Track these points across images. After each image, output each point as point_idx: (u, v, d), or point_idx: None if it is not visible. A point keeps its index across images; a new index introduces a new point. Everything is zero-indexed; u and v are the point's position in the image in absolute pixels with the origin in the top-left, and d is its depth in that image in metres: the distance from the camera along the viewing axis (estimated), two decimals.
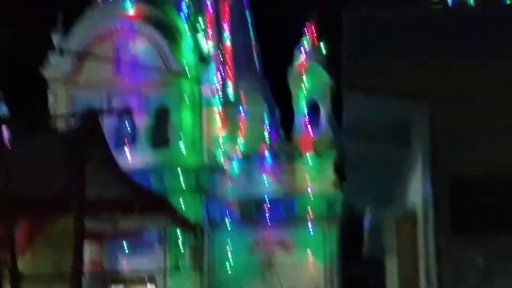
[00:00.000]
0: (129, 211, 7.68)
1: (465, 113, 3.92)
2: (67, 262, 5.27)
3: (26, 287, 5.08)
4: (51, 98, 11.52)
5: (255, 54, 14.58)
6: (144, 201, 7.86)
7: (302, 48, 12.26)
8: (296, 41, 12.56)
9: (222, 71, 12.90)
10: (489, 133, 3.87)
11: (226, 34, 13.15)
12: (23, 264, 5.26)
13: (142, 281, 12.52)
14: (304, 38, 12.31)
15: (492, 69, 3.83)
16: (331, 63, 11.95)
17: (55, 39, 11.44)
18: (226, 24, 13.29)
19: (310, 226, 11.79)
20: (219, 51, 12.66)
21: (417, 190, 5.26)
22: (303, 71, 12.07)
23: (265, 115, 12.29)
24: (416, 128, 4.95)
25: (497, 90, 3.86)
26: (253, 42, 14.60)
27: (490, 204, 3.85)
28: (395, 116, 5.00)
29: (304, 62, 11.93)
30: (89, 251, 10.19)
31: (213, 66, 12.12)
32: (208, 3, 12.69)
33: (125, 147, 11.28)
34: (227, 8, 13.14)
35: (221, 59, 12.98)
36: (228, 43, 13.47)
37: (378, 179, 7.56)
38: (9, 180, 4.39)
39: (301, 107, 11.97)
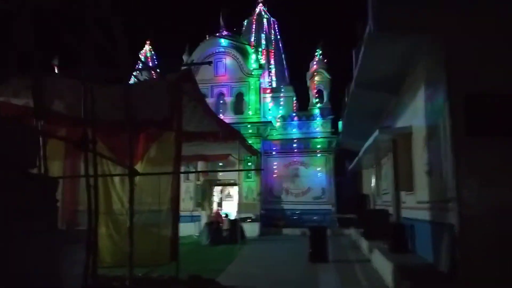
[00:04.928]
0: (216, 138, 9.32)
1: (476, 43, 4.94)
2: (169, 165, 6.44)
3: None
4: None
5: (285, 66, 24.32)
6: (226, 131, 9.40)
7: (314, 61, 20.20)
8: (311, 58, 20.62)
9: (269, 74, 22.28)
10: (496, 58, 4.86)
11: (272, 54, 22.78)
12: (138, 166, 6.06)
13: (230, 184, 20.16)
14: (316, 55, 20.36)
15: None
16: (329, 70, 20.12)
17: (185, 57, 19.60)
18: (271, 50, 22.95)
19: (318, 154, 19.26)
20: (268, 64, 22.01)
21: (415, 112, 7.13)
22: (314, 73, 20.09)
23: (293, 97, 20.68)
24: (429, 57, 5.98)
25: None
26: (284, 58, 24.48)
27: (498, 114, 4.76)
28: (412, 52, 6.42)
29: (315, 67, 19.80)
30: (199, 166, 16.28)
31: (266, 70, 20.64)
32: (263, 40, 22.13)
33: (220, 113, 17.94)
34: (273, 41, 22.92)
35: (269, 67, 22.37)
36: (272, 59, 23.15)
37: (367, 119, 11.99)
38: (130, 107, 5.01)
39: (313, 92, 19.86)
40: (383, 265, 7.92)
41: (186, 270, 7.20)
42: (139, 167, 7.05)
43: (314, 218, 18.40)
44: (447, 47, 5.51)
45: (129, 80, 6.74)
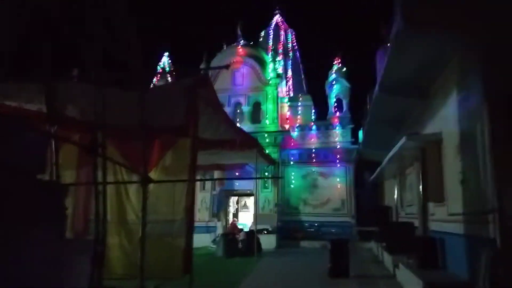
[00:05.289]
0: (233, 146, 9.16)
1: None
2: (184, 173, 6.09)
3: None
4: None
5: (303, 76, 24.02)
6: (243, 139, 9.26)
7: (333, 70, 19.67)
8: (329, 67, 20.09)
9: (287, 83, 21.96)
10: None
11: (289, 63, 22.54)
12: (152, 174, 5.83)
13: (246, 194, 19.76)
14: (334, 65, 19.80)
15: None
16: (348, 78, 19.64)
17: (202, 66, 19.28)
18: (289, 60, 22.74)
19: (338, 164, 18.57)
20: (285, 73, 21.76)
21: (445, 118, 6.65)
22: (333, 82, 19.45)
23: (311, 106, 20.16)
24: (463, 56, 5.60)
25: None
26: (301, 68, 24.19)
27: None
28: (443, 52, 5.91)
29: (334, 76, 19.31)
30: (215, 176, 15.42)
31: (283, 80, 20.31)
32: (280, 49, 21.89)
33: (237, 122, 17.30)
34: (290, 51, 22.70)
35: (287, 77, 22.10)
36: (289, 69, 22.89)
37: (390, 127, 11.33)
38: (144, 113, 4.87)
39: (332, 101, 19.36)
40: (410, 282, 7.38)
41: (200, 283, 6.94)
42: (153, 174, 6.87)
43: (333, 230, 17.79)
44: (486, 45, 5.08)
45: (146, 86, 6.53)
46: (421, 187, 9.90)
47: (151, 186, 6.49)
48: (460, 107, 6.47)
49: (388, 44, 7.61)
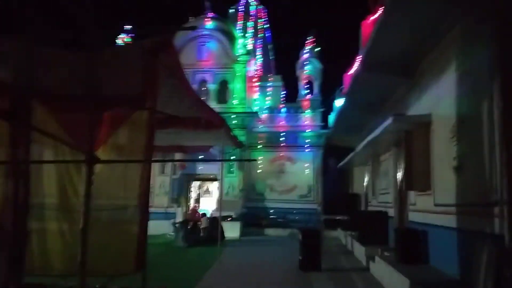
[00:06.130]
0: (198, 126, 7.87)
1: None
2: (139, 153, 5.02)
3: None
4: None
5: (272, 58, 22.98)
6: (210, 117, 8.01)
7: (304, 49, 18.74)
8: (302, 46, 19.13)
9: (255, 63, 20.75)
10: None
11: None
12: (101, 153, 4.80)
13: (210, 179, 18.57)
14: (308, 43, 18.95)
15: None
16: (320, 58, 18.80)
17: None
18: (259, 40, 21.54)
19: (306, 149, 17.83)
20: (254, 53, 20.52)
21: (437, 97, 6.06)
22: (305, 62, 18.43)
23: (281, 87, 19.19)
24: (467, 23, 5.15)
25: None
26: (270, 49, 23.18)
27: None
28: (439, 19, 5.54)
29: (306, 56, 18.36)
30: (176, 157, 13.51)
31: (253, 58, 19.11)
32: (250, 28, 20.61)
33: None
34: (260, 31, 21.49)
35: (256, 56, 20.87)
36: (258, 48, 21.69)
37: (366, 110, 10.69)
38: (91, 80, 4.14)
39: (302, 83, 18.47)
40: (390, 277, 6.68)
41: (155, 278, 5.90)
42: (101, 153, 5.70)
43: (299, 218, 17.17)
44: (501, 11, 4.28)
45: (97, 48, 5.38)
46: (399, 174, 9.25)
47: (98, 167, 5.80)
48: (459, 84, 5.69)
49: (376, 14, 6.75)
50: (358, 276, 8.04)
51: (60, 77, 4.96)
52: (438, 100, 6.53)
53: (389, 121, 6.86)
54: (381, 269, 7.49)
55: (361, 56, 8.51)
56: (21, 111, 3.48)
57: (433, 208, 6.66)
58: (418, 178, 6.87)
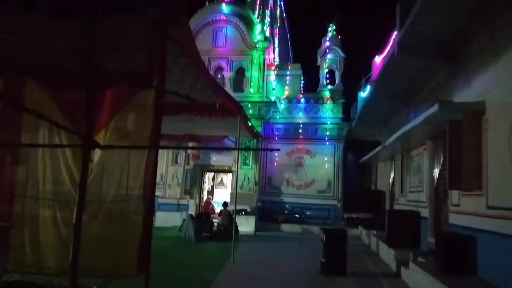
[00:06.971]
0: (212, 112, 7.71)
1: None
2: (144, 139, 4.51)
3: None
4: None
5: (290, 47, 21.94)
6: (226, 103, 7.61)
7: (327, 37, 17.63)
8: (323, 33, 18.01)
9: (273, 52, 19.75)
10: None
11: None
12: (101, 137, 4.50)
13: (224, 171, 18.10)
14: (330, 30, 17.73)
15: None
16: (343, 46, 17.66)
17: None
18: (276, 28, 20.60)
19: (327, 142, 16.89)
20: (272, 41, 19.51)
21: (493, 82, 5.32)
22: (327, 50, 17.40)
23: (301, 76, 18.13)
24: None
25: None
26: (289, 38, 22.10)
27: None
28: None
29: (328, 44, 17.26)
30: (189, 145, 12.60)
31: (271, 45, 18.10)
32: (267, 17, 19.44)
33: None
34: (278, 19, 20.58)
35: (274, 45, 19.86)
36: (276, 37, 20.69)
37: (395, 99, 9.62)
38: (91, 53, 3.70)
39: (324, 72, 17.40)
40: None
41: (160, 279, 5.64)
42: (102, 138, 5.00)
43: (317, 214, 16.29)
44: None
45: (97, 17, 4.66)
46: (436, 170, 8.29)
47: (98, 154, 4.94)
48: None
49: None
50: (389, 283, 7.18)
51: (54, 49, 4.45)
52: (497, 85, 5.54)
53: (435, 108, 5.89)
54: (417, 277, 6.60)
55: (396, 36, 7.53)
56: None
57: (485, 211, 5.71)
58: (467, 175, 5.92)
